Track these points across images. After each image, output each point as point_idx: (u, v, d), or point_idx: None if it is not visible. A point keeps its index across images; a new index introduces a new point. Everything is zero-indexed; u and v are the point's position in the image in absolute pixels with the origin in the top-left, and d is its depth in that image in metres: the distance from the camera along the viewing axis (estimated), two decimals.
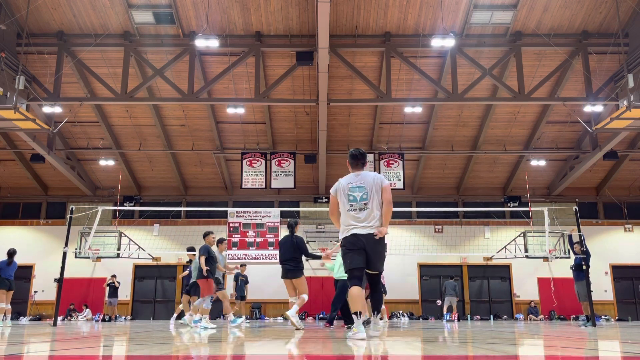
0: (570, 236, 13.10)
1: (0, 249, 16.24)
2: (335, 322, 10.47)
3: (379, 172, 18.72)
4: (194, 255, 12.65)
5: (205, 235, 10.07)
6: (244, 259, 20.56)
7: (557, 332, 7.87)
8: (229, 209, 20.75)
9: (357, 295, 5.28)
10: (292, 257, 8.50)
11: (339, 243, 5.63)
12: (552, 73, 16.05)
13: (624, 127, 15.27)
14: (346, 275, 5.52)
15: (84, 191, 21.19)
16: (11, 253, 12.72)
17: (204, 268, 9.26)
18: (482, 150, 19.74)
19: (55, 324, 11.33)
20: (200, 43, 14.50)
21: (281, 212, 20.63)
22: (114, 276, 18.74)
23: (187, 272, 13.06)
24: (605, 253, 20.50)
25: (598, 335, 6.80)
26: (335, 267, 10.32)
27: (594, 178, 21.33)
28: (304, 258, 8.73)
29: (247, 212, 20.99)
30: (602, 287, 20.16)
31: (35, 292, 20.52)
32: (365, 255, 5.29)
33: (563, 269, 18.76)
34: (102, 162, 19.98)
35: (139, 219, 21.16)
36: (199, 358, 3.51)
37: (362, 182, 5.46)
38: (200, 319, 9.08)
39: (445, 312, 17.99)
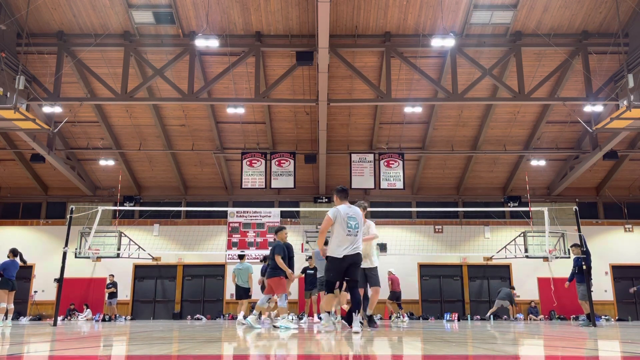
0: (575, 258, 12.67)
1: (0, 249, 16.26)
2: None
3: (379, 172, 18.87)
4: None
5: (278, 231, 9.60)
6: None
7: (557, 332, 7.87)
8: (229, 209, 20.75)
9: (331, 300, 7.48)
10: None
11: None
12: (552, 73, 16.05)
13: (624, 127, 15.27)
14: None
15: (84, 191, 21.19)
16: (18, 253, 12.77)
17: (284, 267, 9.15)
18: (482, 150, 19.73)
19: (55, 324, 11.33)
20: (200, 43, 14.49)
21: (281, 212, 20.63)
22: (111, 275, 18.82)
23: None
24: (605, 253, 20.49)
25: (598, 335, 6.80)
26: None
27: (594, 178, 21.32)
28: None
29: (247, 212, 20.99)
30: (602, 287, 20.16)
31: (35, 292, 20.52)
32: (343, 274, 6.93)
33: (563, 269, 18.76)
34: (102, 162, 19.98)
35: (139, 219, 21.15)
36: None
37: (355, 214, 6.98)
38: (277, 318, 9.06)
39: (490, 314, 18.55)
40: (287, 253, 9.47)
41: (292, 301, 19.28)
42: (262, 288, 11.93)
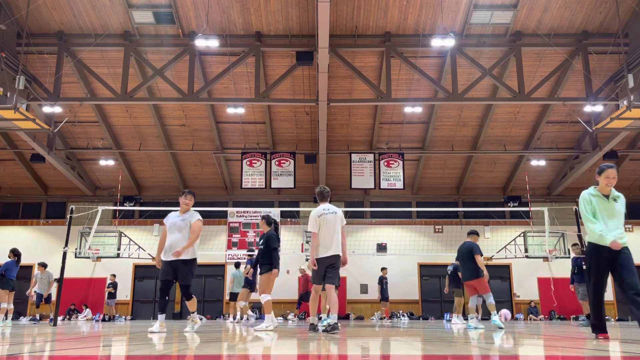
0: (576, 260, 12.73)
1: (0, 249, 16.25)
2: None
3: (379, 172, 18.89)
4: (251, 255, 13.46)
5: (474, 233, 10.10)
6: (244, 259, 20.56)
7: (557, 332, 7.87)
8: (229, 209, 20.75)
9: (195, 303, 8.12)
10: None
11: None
12: (552, 73, 16.05)
13: (624, 127, 15.27)
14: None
15: (84, 191, 21.18)
16: (19, 254, 12.82)
17: (483, 268, 9.60)
18: (482, 150, 19.73)
19: (55, 324, 11.33)
20: (200, 43, 14.49)
21: (281, 212, 20.62)
22: (112, 275, 18.82)
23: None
24: None
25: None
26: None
27: (594, 178, 21.22)
28: None
29: (247, 212, 20.98)
30: None
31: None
32: None
33: (563, 269, 18.76)
34: (102, 162, 19.98)
35: (139, 219, 21.15)
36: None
37: None
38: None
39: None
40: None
41: (292, 301, 19.29)
42: (247, 280, 12.69)
